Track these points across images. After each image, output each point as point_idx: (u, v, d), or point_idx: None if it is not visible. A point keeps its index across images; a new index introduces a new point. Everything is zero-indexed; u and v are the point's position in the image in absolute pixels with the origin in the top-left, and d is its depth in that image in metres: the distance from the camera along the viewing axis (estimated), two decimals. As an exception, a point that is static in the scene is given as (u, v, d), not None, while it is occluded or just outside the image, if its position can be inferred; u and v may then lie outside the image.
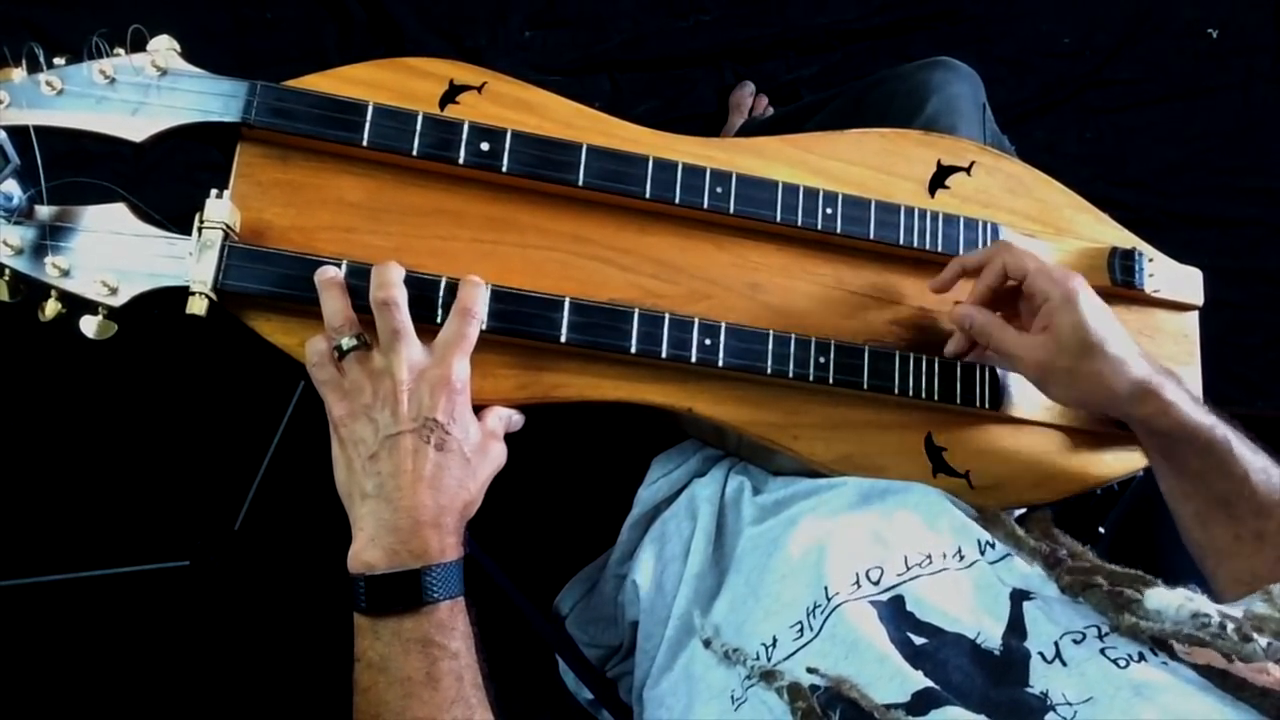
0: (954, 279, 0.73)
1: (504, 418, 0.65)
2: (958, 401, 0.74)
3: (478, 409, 0.63)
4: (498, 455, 0.63)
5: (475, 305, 0.62)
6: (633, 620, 0.74)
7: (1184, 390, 0.65)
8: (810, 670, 0.53)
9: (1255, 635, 0.45)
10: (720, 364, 0.68)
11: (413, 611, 0.55)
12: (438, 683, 0.54)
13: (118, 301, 0.58)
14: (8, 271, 0.57)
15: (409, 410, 0.58)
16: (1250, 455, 0.64)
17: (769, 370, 0.69)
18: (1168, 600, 0.50)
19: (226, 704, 1.23)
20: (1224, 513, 0.64)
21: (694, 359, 0.67)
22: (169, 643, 1.23)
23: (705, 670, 0.61)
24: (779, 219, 0.72)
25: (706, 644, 0.62)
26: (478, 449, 0.61)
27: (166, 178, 1.27)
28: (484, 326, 0.63)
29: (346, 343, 0.60)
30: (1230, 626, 0.46)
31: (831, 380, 0.70)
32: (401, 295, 0.60)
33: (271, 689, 1.24)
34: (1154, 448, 0.67)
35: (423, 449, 0.57)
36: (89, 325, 0.59)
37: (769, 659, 0.57)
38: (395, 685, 0.54)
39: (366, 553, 0.56)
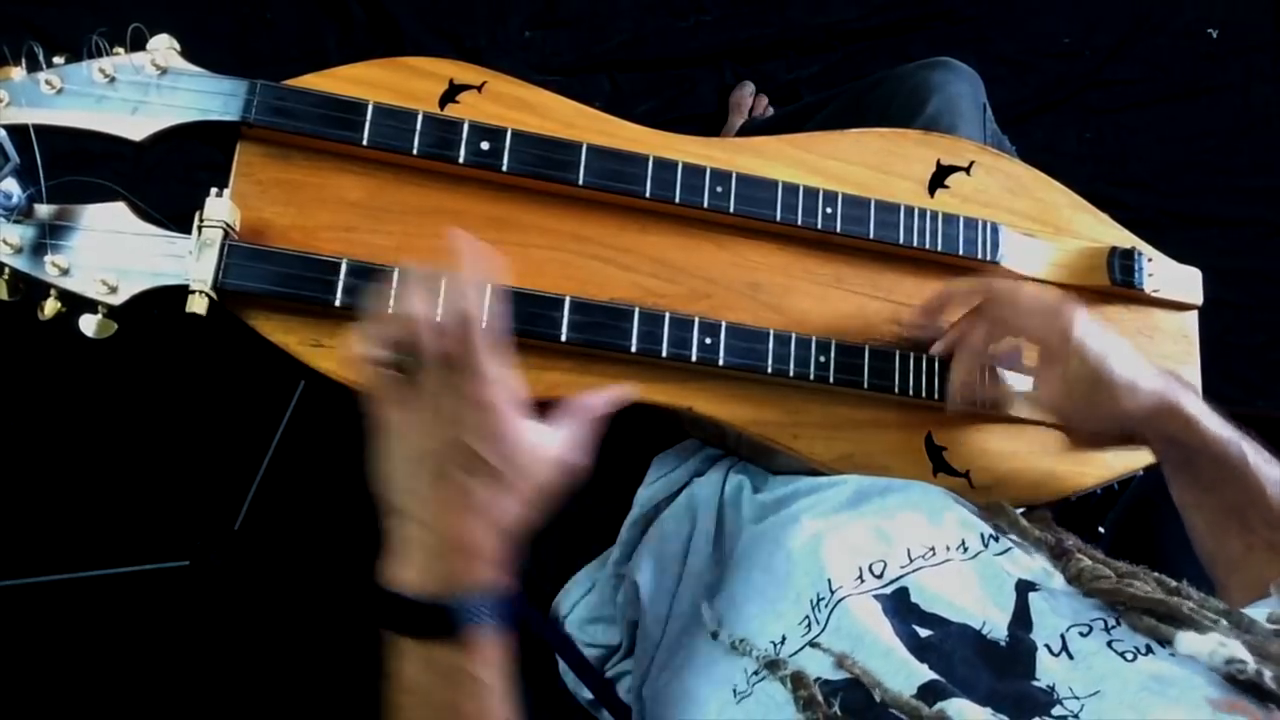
0: (938, 308, 0.73)
1: (563, 438, 0.57)
2: (958, 401, 0.74)
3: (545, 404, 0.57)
4: (550, 469, 0.55)
5: (470, 307, 0.52)
6: (632, 620, 0.74)
7: (1201, 402, 0.65)
8: (813, 645, 0.54)
9: None
10: (720, 363, 0.68)
11: (443, 639, 0.51)
12: (461, 712, 0.50)
13: (117, 300, 0.58)
14: (7, 270, 0.57)
15: (447, 432, 0.52)
16: (1266, 467, 0.64)
17: (769, 369, 0.69)
18: (1200, 646, 0.48)
19: (227, 704, 1.23)
20: (1237, 523, 0.63)
21: (694, 358, 0.67)
22: (169, 643, 1.23)
23: (708, 663, 0.61)
24: (779, 218, 0.72)
25: (714, 635, 0.62)
26: (523, 469, 0.54)
27: (166, 177, 1.27)
28: (483, 325, 0.63)
29: (399, 356, 0.53)
30: (1268, 675, 0.45)
31: (832, 380, 0.70)
32: (438, 321, 0.52)
33: (271, 689, 1.24)
34: (1170, 459, 0.67)
35: (457, 474, 0.52)
36: (89, 324, 0.59)
37: (777, 654, 0.57)
38: (420, 709, 0.51)
39: (400, 571, 0.52)
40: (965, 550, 0.61)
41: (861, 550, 0.61)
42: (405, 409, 0.53)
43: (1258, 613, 0.49)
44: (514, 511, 0.54)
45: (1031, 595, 0.55)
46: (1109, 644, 0.50)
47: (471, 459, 0.52)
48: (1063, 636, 0.51)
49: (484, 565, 0.53)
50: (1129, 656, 0.49)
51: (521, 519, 0.54)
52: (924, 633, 0.54)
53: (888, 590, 0.57)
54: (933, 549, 0.61)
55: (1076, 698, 0.47)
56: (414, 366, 0.52)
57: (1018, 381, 0.76)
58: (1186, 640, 0.49)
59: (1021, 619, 0.54)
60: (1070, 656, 0.50)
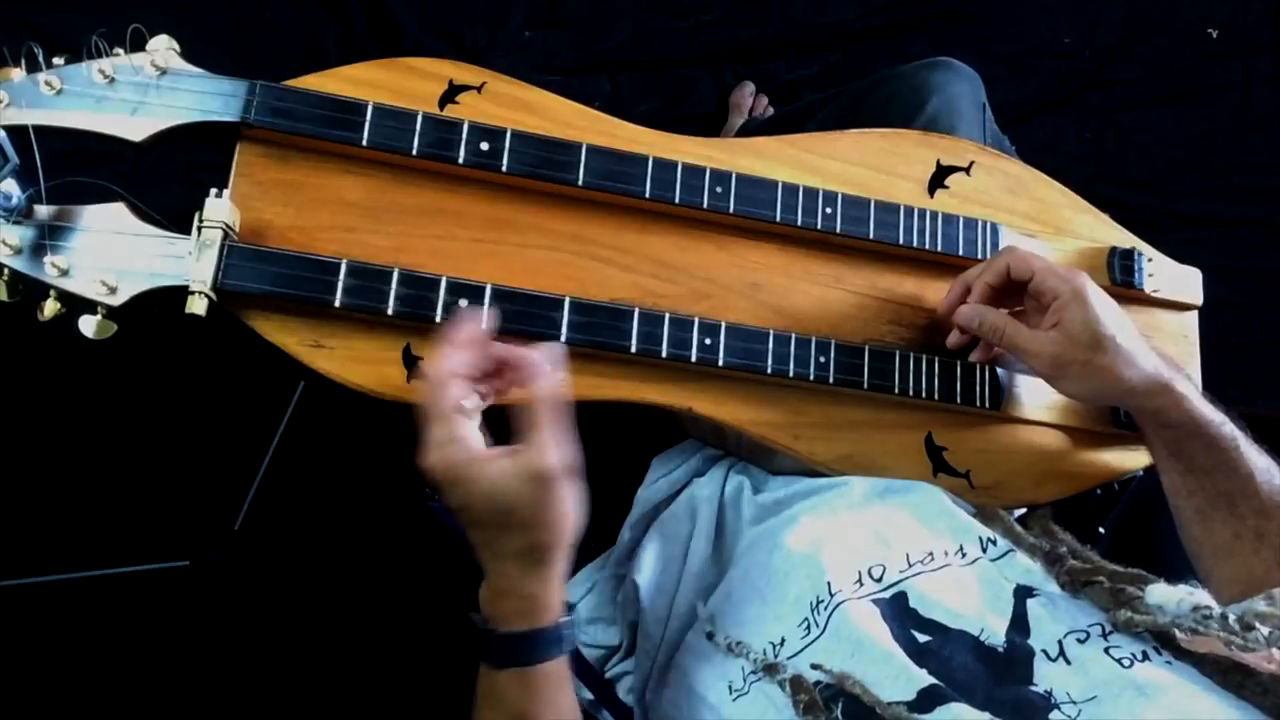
0: (961, 297, 0.73)
1: (544, 449, 0.52)
2: (958, 401, 0.74)
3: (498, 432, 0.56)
4: (550, 487, 0.51)
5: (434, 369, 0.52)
6: (632, 620, 0.74)
7: (1193, 385, 0.66)
8: (814, 666, 0.54)
9: (1257, 624, 0.46)
10: (720, 363, 0.68)
11: (524, 665, 0.52)
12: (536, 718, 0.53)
13: (117, 301, 0.58)
14: (7, 271, 0.57)
15: (452, 499, 0.52)
16: (1256, 456, 0.64)
17: (769, 370, 0.69)
18: (1169, 595, 0.50)
19: (226, 704, 1.24)
20: (1226, 510, 0.64)
21: (694, 358, 0.67)
22: (169, 643, 1.23)
23: (704, 661, 0.61)
24: (779, 219, 0.72)
25: (709, 636, 0.62)
26: (486, 509, 0.52)
27: (166, 178, 1.27)
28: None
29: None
30: (1232, 618, 0.47)
31: (831, 380, 0.70)
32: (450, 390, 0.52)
33: (271, 689, 1.24)
34: (1162, 442, 0.67)
35: (478, 532, 0.52)
36: (88, 325, 0.59)
37: (776, 656, 0.57)
38: (501, 716, 0.53)
39: (486, 607, 0.54)
40: (964, 556, 0.61)
41: (860, 553, 0.61)
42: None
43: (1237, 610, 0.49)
44: (509, 543, 0.52)
45: (1029, 601, 0.55)
46: (1106, 650, 0.50)
47: (462, 518, 0.52)
48: (1060, 642, 0.52)
49: (509, 601, 0.53)
50: (1125, 663, 0.49)
51: (561, 537, 0.52)
52: (922, 638, 0.54)
53: (886, 595, 0.58)
54: (931, 554, 0.61)
55: (1074, 702, 0.47)
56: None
57: (1019, 382, 0.76)
58: (1156, 590, 0.51)
59: (1019, 625, 0.54)
60: (1068, 662, 0.50)
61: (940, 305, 0.75)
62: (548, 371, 0.53)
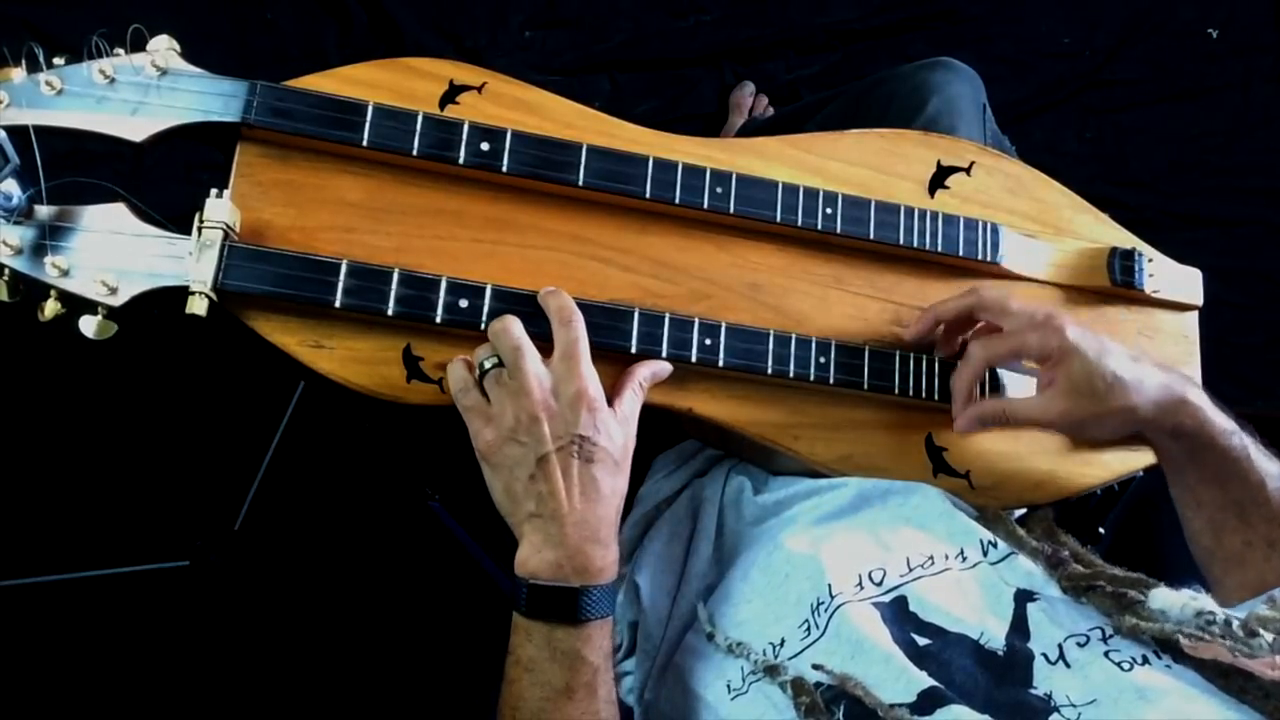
0: (930, 328, 0.73)
1: (641, 391, 0.64)
2: (958, 401, 0.74)
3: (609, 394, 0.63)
4: (633, 436, 0.63)
5: (567, 310, 0.62)
6: (633, 620, 0.74)
7: (1204, 393, 0.66)
8: (815, 667, 0.54)
9: (1261, 630, 0.46)
10: (720, 364, 0.68)
11: (566, 624, 0.56)
12: (574, 693, 0.56)
13: (117, 301, 0.58)
14: (7, 271, 0.57)
15: (555, 428, 0.58)
16: (1266, 462, 0.64)
17: (769, 370, 0.69)
18: (1172, 600, 0.50)
19: (226, 704, 1.23)
20: (1237, 519, 0.63)
21: (694, 359, 0.67)
22: (169, 643, 1.23)
23: (703, 661, 0.61)
24: (779, 219, 0.72)
25: (709, 637, 0.62)
26: (624, 449, 0.61)
27: (166, 178, 1.27)
28: (483, 325, 0.63)
29: (488, 362, 0.60)
30: (1235, 623, 0.47)
31: (832, 380, 0.70)
32: (516, 322, 0.61)
33: (271, 689, 1.24)
34: (1174, 452, 0.66)
35: (573, 465, 0.58)
36: (88, 325, 0.59)
37: (775, 656, 0.57)
38: (537, 687, 0.56)
39: (532, 561, 0.58)
40: (964, 560, 0.61)
41: (861, 557, 0.61)
42: (510, 416, 0.58)
43: (1240, 612, 0.49)
44: (622, 487, 0.60)
45: (1030, 605, 0.55)
46: (1105, 654, 0.50)
47: (590, 449, 0.58)
48: (1060, 646, 0.52)
49: (605, 551, 0.59)
50: (1125, 666, 0.49)
51: (624, 489, 0.61)
52: (922, 641, 0.54)
53: (886, 598, 0.58)
54: (931, 558, 0.61)
55: (1073, 705, 0.47)
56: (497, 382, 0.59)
57: (1019, 383, 0.76)
58: (1160, 595, 0.51)
59: (1019, 628, 0.54)
60: (1067, 665, 0.50)
61: (907, 334, 0.74)
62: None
